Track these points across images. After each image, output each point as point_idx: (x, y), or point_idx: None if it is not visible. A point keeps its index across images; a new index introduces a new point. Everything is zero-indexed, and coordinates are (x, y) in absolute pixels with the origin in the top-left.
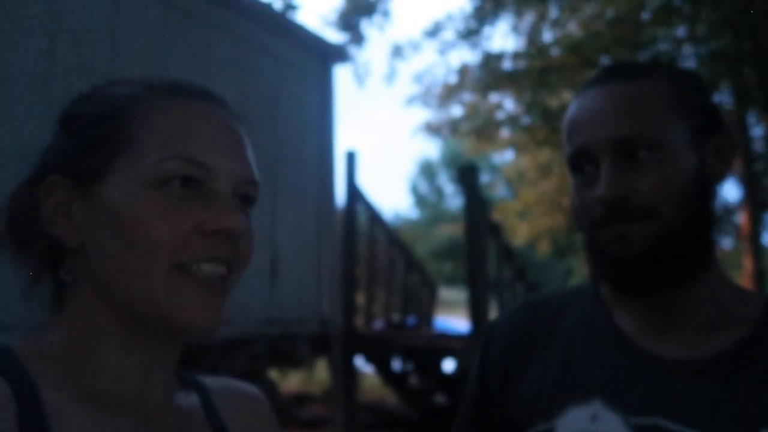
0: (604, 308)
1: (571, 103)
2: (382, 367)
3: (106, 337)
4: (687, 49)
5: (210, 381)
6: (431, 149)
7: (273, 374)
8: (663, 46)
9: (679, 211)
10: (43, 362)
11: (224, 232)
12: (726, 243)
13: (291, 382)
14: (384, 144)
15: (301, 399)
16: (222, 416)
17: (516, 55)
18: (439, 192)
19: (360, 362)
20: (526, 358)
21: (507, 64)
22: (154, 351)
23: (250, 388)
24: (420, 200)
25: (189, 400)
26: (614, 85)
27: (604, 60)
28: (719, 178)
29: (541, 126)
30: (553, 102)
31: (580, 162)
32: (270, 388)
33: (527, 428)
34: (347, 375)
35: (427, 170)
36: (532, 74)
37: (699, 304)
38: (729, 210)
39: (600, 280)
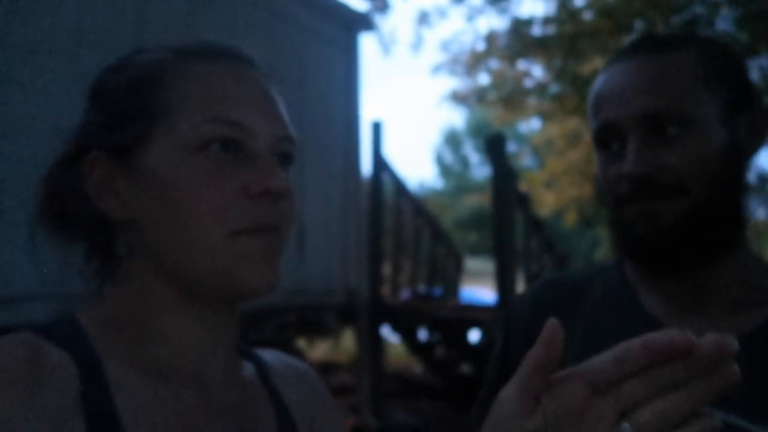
0: (629, 287)
1: (597, 75)
2: (408, 337)
3: (165, 308)
4: (725, 12)
5: (264, 354)
6: (457, 118)
7: (301, 343)
8: (699, 9)
9: (709, 187)
10: (107, 334)
11: (270, 192)
12: (761, 213)
13: (318, 351)
14: (410, 113)
15: (328, 368)
16: (279, 389)
17: (546, 21)
18: (464, 161)
19: (386, 332)
20: None
21: (536, 30)
22: (212, 321)
23: (302, 363)
24: (445, 170)
25: (248, 371)
26: (642, 58)
27: (639, 24)
28: (751, 153)
29: (571, 94)
30: (584, 69)
31: (607, 137)
32: (298, 357)
33: None
34: (373, 344)
35: (453, 140)
36: (563, 40)
37: (726, 283)
38: (765, 179)
39: (625, 258)
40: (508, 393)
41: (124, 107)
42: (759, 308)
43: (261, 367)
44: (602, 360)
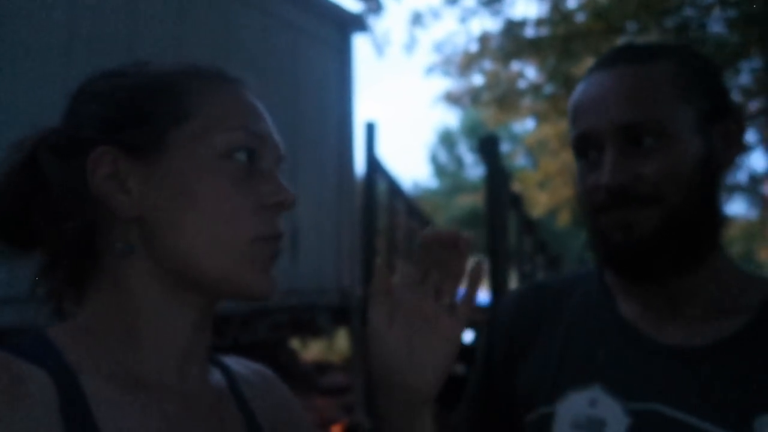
0: (608, 294)
1: (578, 84)
2: None
3: (154, 312)
4: (716, 14)
5: (228, 360)
6: (451, 119)
7: (294, 344)
8: (691, 11)
9: (684, 196)
10: (81, 347)
11: (283, 205)
12: (751, 213)
13: (312, 351)
14: (403, 114)
15: (322, 368)
16: (246, 396)
17: (539, 22)
18: (458, 161)
19: None
20: (531, 341)
21: (529, 32)
22: (197, 326)
23: (264, 368)
24: (439, 170)
25: (216, 378)
26: (621, 68)
27: (631, 26)
28: (726, 163)
29: (564, 95)
30: (577, 70)
31: (585, 147)
32: (291, 357)
33: (529, 411)
34: (367, 344)
35: (447, 140)
36: (556, 41)
37: (702, 290)
38: (756, 180)
39: (603, 266)
40: (376, 319)
41: (144, 108)
42: (734, 315)
43: (228, 373)
44: (406, 266)
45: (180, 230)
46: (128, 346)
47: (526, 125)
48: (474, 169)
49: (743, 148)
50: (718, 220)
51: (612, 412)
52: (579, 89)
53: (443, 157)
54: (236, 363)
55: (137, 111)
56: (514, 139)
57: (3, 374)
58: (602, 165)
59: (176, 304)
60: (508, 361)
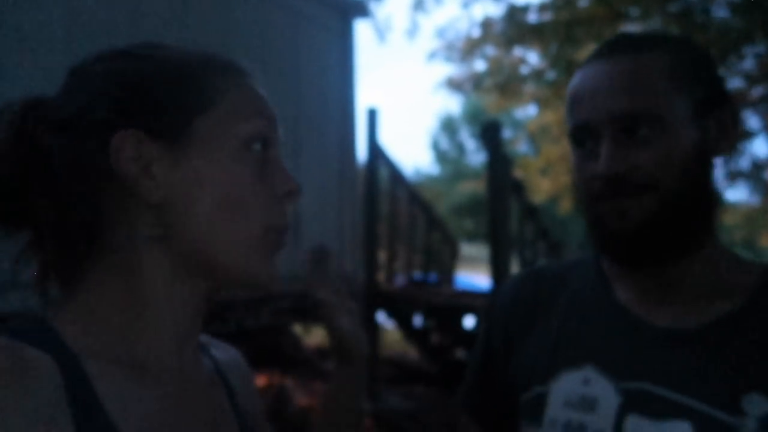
0: (604, 280)
1: (574, 74)
2: (404, 323)
3: (163, 296)
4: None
5: (209, 343)
6: (453, 105)
7: (297, 329)
8: None
9: (678, 184)
10: (83, 332)
11: (292, 194)
12: (753, 200)
13: (314, 336)
14: (405, 100)
15: (324, 353)
16: (228, 377)
17: (542, 7)
18: (460, 148)
19: (381, 318)
20: (529, 326)
21: (532, 17)
22: (198, 311)
23: (237, 352)
24: (441, 156)
25: (206, 361)
26: (616, 59)
27: (634, 11)
28: (721, 152)
29: (567, 81)
30: (579, 56)
31: (581, 137)
32: (294, 343)
33: (525, 392)
34: (369, 330)
35: (449, 126)
36: (558, 27)
37: (696, 276)
38: (758, 166)
39: (599, 253)
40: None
41: (170, 94)
42: (726, 299)
43: (211, 357)
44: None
45: (199, 218)
46: (132, 329)
47: (528, 111)
48: (476, 155)
49: (738, 138)
50: (712, 207)
51: (604, 391)
52: (575, 80)
53: (445, 143)
54: (215, 347)
55: (162, 96)
56: (517, 125)
57: (14, 361)
58: (599, 154)
59: (183, 290)
60: (505, 346)
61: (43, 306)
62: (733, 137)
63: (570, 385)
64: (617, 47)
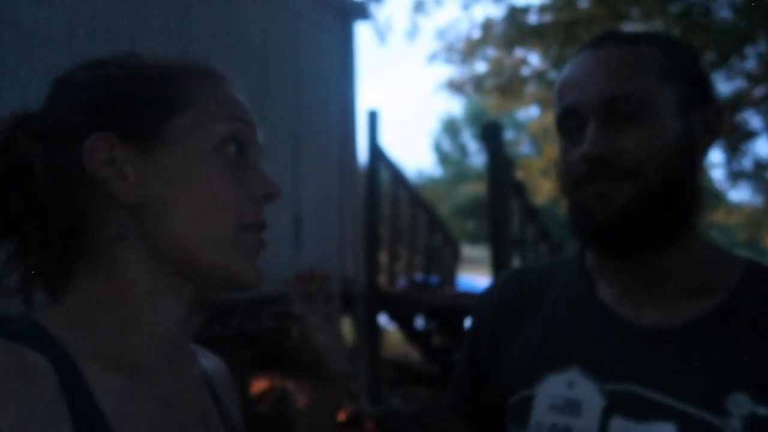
0: (587, 278)
1: (564, 67)
2: (405, 325)
3: (147, 297)
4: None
5: (196, 350)
6: (455, 106)
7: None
8: None
9: (661, 173)
10: (75, 334)
11: (270, 196)
12: (756, 200)
13: None
14: (406, 102)
15: None
16: (215, 386)
17: (542, 8)
18: (462, 149)
19: (383, 320)
20: (514, 327)
21: (533, 18)
22: (186, 311)
23: (215, 356)
24: (443, 158)
25: (194, 367)
26: (606, 48)
27: (635, 12)
28: (705, 148)
29: None
30: None
31: (568, 122)
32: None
33: (511, 395)
34: (371, 332)
35: (451, 128)
36: (559, 28)
37: (678, 270)
38: (761, 166)
39: (581, 241)
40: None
41: (142, 97)
42: (710, 295)
43: (198, 363)
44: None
45: (173, 218)
46: (121, 332)
47: (529, 112)
48: (478, 157)
49: (719, 136)
50: (694, 201)
51: (588, 393)
52: (564, 71)
53: (447, 145)
54: (202, 355)
55: (135, 99)
56: (518, 126)
57: (13, 362)
58: (584, 138)
59: (168, 294)
60: (492, 347)
61: (27, 310)
62: (715, 136)
63: (555, 388)
64: (606, 40)
